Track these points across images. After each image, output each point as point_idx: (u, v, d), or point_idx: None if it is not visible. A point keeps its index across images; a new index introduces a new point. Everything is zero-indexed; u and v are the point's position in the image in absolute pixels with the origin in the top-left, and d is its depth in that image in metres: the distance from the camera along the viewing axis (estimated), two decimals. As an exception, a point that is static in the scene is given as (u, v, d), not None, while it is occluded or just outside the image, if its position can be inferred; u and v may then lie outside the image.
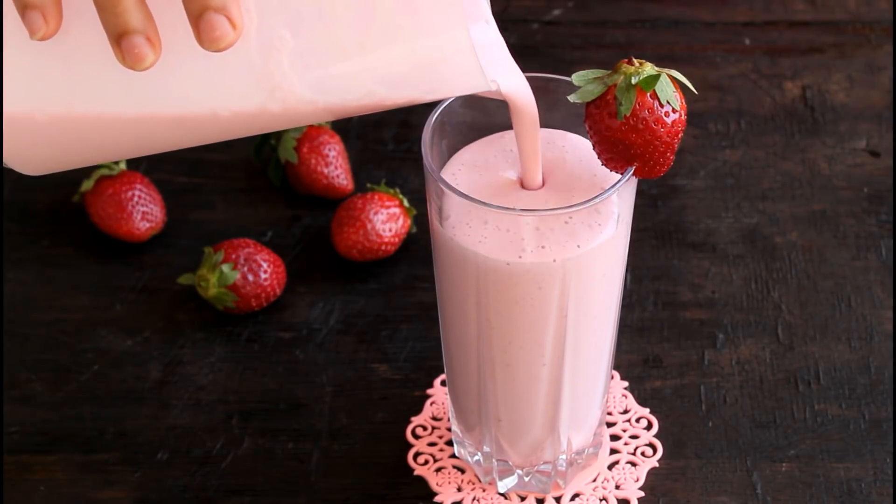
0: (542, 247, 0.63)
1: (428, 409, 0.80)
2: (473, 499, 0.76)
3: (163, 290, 0.87)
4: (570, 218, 0.63)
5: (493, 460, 0.75)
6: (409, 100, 0.56)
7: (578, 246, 0.63)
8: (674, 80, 0.62)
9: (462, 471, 0.77)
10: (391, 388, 0.81)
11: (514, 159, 0.66)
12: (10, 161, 0.58)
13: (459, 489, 0.76)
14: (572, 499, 0.76)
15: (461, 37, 0.53)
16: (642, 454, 0.78)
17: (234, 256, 0.84)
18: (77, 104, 0.56)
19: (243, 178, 0.94)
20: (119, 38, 0.50)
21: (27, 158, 0.59)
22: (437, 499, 0.76)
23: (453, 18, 0.52)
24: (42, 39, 0.51)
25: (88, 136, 0.57)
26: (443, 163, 0.67)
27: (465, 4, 0.58)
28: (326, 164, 0.91)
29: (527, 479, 0.75)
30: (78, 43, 0.53)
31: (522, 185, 0.65)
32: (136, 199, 0.89)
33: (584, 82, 0.62)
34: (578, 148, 0.67)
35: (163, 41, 0.51)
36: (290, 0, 0.52)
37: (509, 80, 0.61)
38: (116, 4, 0.49)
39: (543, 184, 0.65)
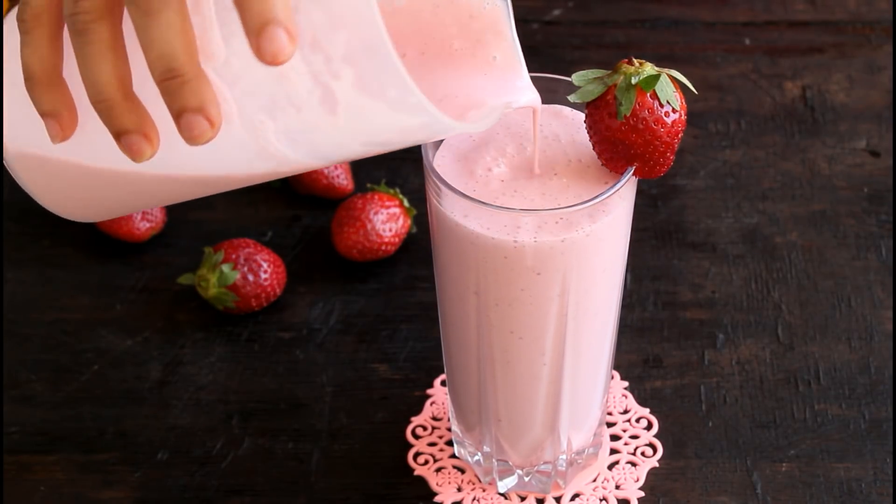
0: (535, 239, 0.63)
1: (428, 409, 0.80)
2: (473, 499, 0.76)
3: (163, 290, 0.87)
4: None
5: (493, 460, 0.75)
6: (402, 147, 0.57)
7: (577, 231, 0.63)
8: (674, 80, 0.62)
9: (462, 471, 0.77)
10: (391, 388, 0.81)
11: (495, 139, 0.66)
12: (50, 206, 0.63)
13: (459, 489, 0.76)
14: (572, 499, 0.76)
15: (429, 112, 0.53)
16: (642, 454, 0.78)
17: (234, 256, 0.84)
18: (102, 191, 0.61)
19: (243, 178, 0.94)
20: (118, 136, 0.55)
21: (66, 208, 0.63)
22: (437, 499, 0.76)
23: (414, 99, 0.52)
24: (61, 142, 0.57)
25: (119, 198, 0.62)
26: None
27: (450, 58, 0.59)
28: (326, 164, 0.91)
29: (527, 479, 0.75)
30: (94, 134, 0.57)
31: None
32: (136, 199, 0.89)
33: (584, 82, 0.62)
34: (550, 123, 0.67)
35: (165, 125, 0.55)
36: (260, 89, 0.54)
37: (527, 97, 0.62)
38: (111, 109, 0.54)
39: None
